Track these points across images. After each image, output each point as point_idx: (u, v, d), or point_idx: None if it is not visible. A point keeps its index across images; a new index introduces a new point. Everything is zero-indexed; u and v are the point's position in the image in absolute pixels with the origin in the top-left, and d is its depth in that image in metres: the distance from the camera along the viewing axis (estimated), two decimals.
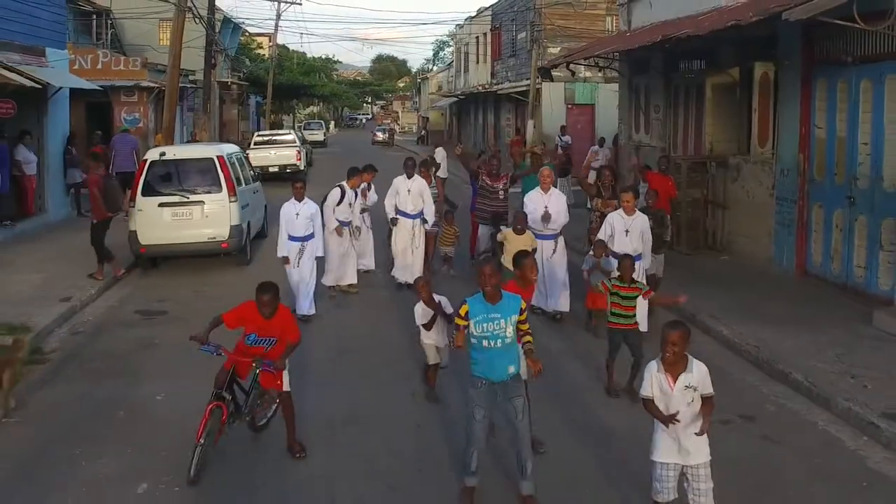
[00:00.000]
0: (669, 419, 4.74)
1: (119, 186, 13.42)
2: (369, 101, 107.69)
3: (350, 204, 11.29)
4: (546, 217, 9.96)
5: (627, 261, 7.51)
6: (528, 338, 5.45)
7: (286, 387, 6.23)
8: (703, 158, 14.24)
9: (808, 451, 6.38)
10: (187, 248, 12.55)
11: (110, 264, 11.97)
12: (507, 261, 8.43)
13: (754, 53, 12.79)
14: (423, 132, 58.42)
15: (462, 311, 5.36)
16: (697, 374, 4.79)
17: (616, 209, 9.31)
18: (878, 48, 9.95)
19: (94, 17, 29.38)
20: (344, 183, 11.35)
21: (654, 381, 4.82)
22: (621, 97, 19.31)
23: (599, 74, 24.78)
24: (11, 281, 11.42)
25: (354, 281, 11.49)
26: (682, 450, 4.82)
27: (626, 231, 8.96)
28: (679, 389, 4.76)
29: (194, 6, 19.82)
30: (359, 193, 11.58)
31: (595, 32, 24.94)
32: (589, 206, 13.01)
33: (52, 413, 7.12)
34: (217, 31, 27.56)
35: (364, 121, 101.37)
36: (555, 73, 23.10)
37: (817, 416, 7.04)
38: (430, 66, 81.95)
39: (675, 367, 4.77)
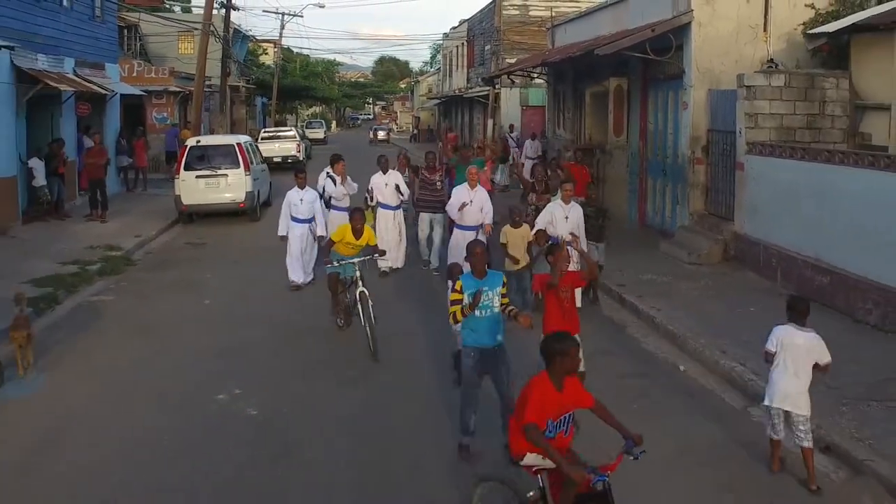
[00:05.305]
0: None
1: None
2: (370, 101, 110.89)
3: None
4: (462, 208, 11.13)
5: None
6: (506, 300, 6.22)
7: None
8: (590, 146, 19.39)
9: None
10: (215, 207, 17.81)
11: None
12: (513, 253, 10.02)
13: (617, 71, 17.92)
14: (416, 131, 62.34)
15: (457, 286, 6.15)
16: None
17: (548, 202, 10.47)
18: (676, 70, 15.08)
19: (125, 30, 34.66)
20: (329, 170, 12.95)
21: (781, 338, 5.80)
22: (548, 101, 24.48)
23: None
24: (97, 227, 16.87)
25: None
26: (788, 396, 5.78)
27: (566, 217, 9.94)
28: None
29: (215, 29, 25.06)
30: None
31: (544, 47, 29.87)
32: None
33: (143, 282, 12.60)
34: (230, 44, 32.71)
35: (369, 120, 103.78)
36: (514, 77, 27.82)
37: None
38: (428, 68, 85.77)
39: None
